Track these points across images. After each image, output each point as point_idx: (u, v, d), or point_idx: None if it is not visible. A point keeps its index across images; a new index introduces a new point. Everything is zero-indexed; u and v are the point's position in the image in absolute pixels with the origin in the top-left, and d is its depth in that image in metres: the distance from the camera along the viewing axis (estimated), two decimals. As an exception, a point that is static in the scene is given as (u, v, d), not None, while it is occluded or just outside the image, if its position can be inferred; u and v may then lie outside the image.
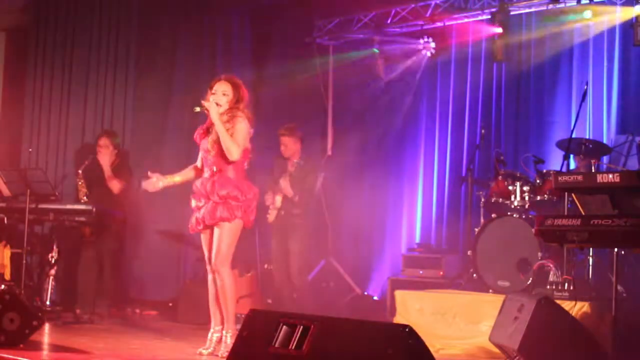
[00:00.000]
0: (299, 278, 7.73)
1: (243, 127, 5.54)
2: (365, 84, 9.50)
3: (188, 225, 5.72)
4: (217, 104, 5.53)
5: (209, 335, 5.61)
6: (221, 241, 5.51)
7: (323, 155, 9.29)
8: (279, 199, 7.67)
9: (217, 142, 5.53)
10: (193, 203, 5.66)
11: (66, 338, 6.19)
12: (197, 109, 5.58)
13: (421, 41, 9.03)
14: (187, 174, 5.83)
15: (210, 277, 5.67)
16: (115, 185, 7.93)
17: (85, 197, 7.88)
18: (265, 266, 8.27)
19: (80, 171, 7.97)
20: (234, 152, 5.47)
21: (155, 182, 5.69)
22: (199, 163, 5.77)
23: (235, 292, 5.68)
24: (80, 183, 7.96)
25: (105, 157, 7.95)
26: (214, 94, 5.60)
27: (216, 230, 5.53)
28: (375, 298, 8.73)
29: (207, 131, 5.66)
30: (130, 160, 8.90)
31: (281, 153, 7.78)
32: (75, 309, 7.56)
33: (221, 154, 5.53)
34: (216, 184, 5.51)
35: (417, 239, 8.92)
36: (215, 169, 5.56)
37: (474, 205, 7.67)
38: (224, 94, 5.59)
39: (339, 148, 9.50)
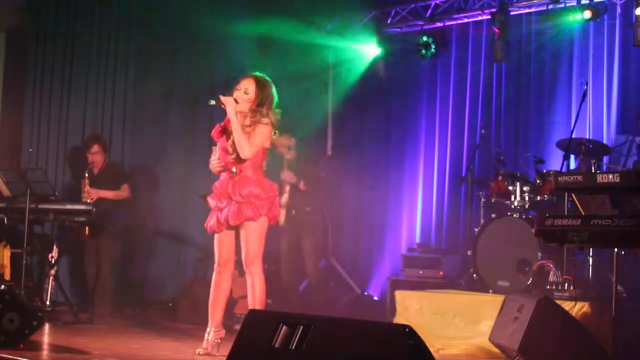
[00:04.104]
0: (315, 274, 7.78)
1: (263, 132, 5.45)
2: (365, 84, 9.51)
3: (207, 225, 5.59)
4: (236, 100, 5.48)
5: (205, 335, 5.59)
6: (249, 241, 5.47)
7: (323, 155, 9.29)
8: (285, 197, 7.66)
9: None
10: (212, 203, 5.60)
11: (66, 338, 6.18)
12: (213, 102, 5.47)
13: (421, 41, 9.03)
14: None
15: (215, 277, 5.63)
16: (121, 196, 8.04)
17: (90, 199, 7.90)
18: (266, 266, 8.26)
19: (86, 174, 8.00)
20: (245, 150, 5.40)
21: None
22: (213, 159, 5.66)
23: (265, 293, 5.58)
24: (85, 184, 7.96)
25: (103, 192, 8.03)
26: (238, 90, 5.52)
27: (242, 232, 5.49)
28: (375, 298, 8.74)
29: (226, 129, 5.57)
30: (131, 160, 8.91)
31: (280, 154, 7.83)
32: (74, 308, 7.56)
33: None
34: (237, 184, 5.46)
35: (417, 239, 8.92)
36: (235, 170, 5.51)
37: (474, 205, 7.67)
38: (245, 92, 5.49)
39: (339, 148, 9.50)
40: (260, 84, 5.53)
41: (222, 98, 5.47)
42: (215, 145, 5.64)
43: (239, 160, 5.49)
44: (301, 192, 7.65)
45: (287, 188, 7.66)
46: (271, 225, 5.62)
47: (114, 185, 8.12)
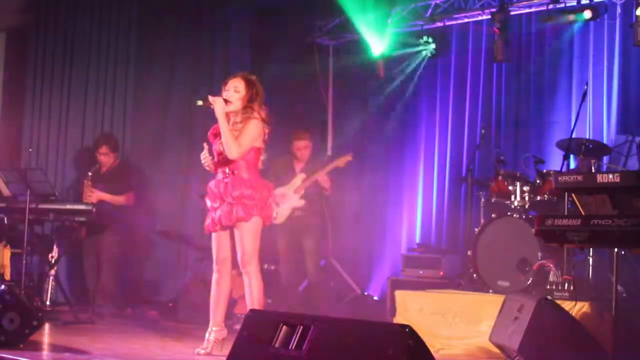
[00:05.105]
0: (315, 275, 7.78)
1: (253, 128, 5.46)
2: (365, 84, 9.51)
3: (204, 224, 5.63)
4: (227, 100, 5.47)
5: (206, 335, 5.59)
6: (243, 242, 5.49)
7: (323, 155, 9.28)
8: (296, 198, 7.65)
9: None
10: (208, 203, 5.61)
11: (66, 338, 6.18)
12: (200, 103, 5.46)
13: (421, 41, 9.03)
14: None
15: (215, 276, 5.64)
16: (121, 202, 8.06)
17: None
18: (265, 266, 8.27)
19: (90, 174, 7.99)
20: (232, 150, 5.42)
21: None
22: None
23: (263, 292, 5.60)
24: (88, 185, 7.96)
25: (104, 195, 7.99)
26: (227, 90, 5.53)
27: (236, 232, 5.51)
28: (375, 298, 8.74)
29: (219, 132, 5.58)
30: (130, 160, 8.90)
31: (299, 157, 7.80)
32: (74, 308, 7.56)
33: None
34: (229, 185, 5.46)
35: (417, 239, 8.92)
36: (228, 170, 5.52)
37: (474, 205, 7.67)
38: (235, 90, 5.50)
39: (339, 148, 9.50)
40: (249, 81, 5.56)
41: (211, 98, 5.46)
42: (211, 145, 5.65)
43: (231, 160, 5.49)
44: (310, 194, 7.68)
45: (302, 191, 7.68)
46: (266, 225, 5.62)
47: (118, 186, 8.09)
